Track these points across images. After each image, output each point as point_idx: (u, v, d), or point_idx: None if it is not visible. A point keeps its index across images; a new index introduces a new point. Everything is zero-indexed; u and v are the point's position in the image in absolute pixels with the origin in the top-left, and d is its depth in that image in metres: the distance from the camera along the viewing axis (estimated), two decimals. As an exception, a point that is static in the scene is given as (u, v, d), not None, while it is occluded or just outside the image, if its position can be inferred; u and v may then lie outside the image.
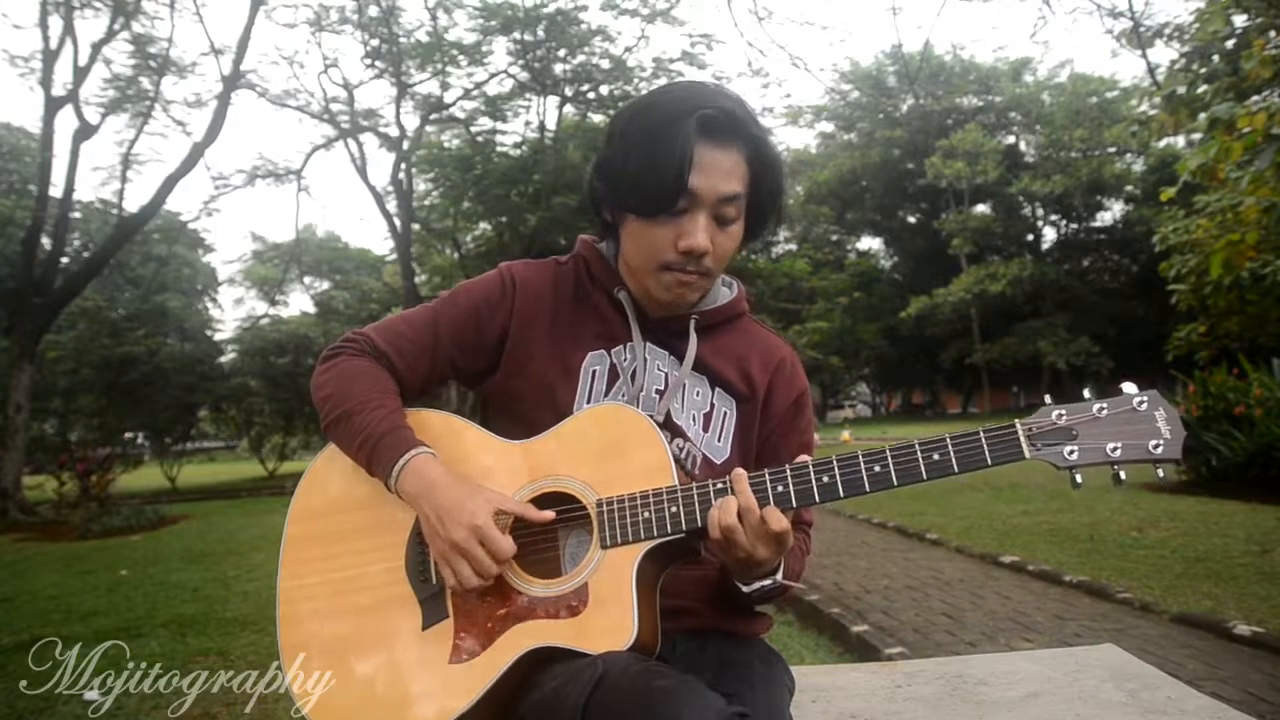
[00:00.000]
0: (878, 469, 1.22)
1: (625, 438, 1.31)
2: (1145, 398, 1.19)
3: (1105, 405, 1.19)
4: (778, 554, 1.25)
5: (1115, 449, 1.17)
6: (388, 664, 1.30)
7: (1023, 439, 1.18)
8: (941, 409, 54.33)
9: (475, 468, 1.36)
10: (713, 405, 1.47)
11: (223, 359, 24.54)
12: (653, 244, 1.35)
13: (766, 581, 1.33)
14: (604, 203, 1.44)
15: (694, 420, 1.45)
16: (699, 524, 1.24)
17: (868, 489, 1.22)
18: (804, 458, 1.27)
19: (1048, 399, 1.23)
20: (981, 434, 1.19)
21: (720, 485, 1.25)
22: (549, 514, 1.29)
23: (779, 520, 1.21)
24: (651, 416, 1.36)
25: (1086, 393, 1.22)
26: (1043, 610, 4.81)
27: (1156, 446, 1.16)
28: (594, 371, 1.44)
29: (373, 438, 1.34)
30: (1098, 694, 1.88)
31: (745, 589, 1.34)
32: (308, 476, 1.47)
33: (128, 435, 23.61)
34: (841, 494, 1.22)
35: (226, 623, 5.40)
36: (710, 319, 1.49)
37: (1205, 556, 5.71)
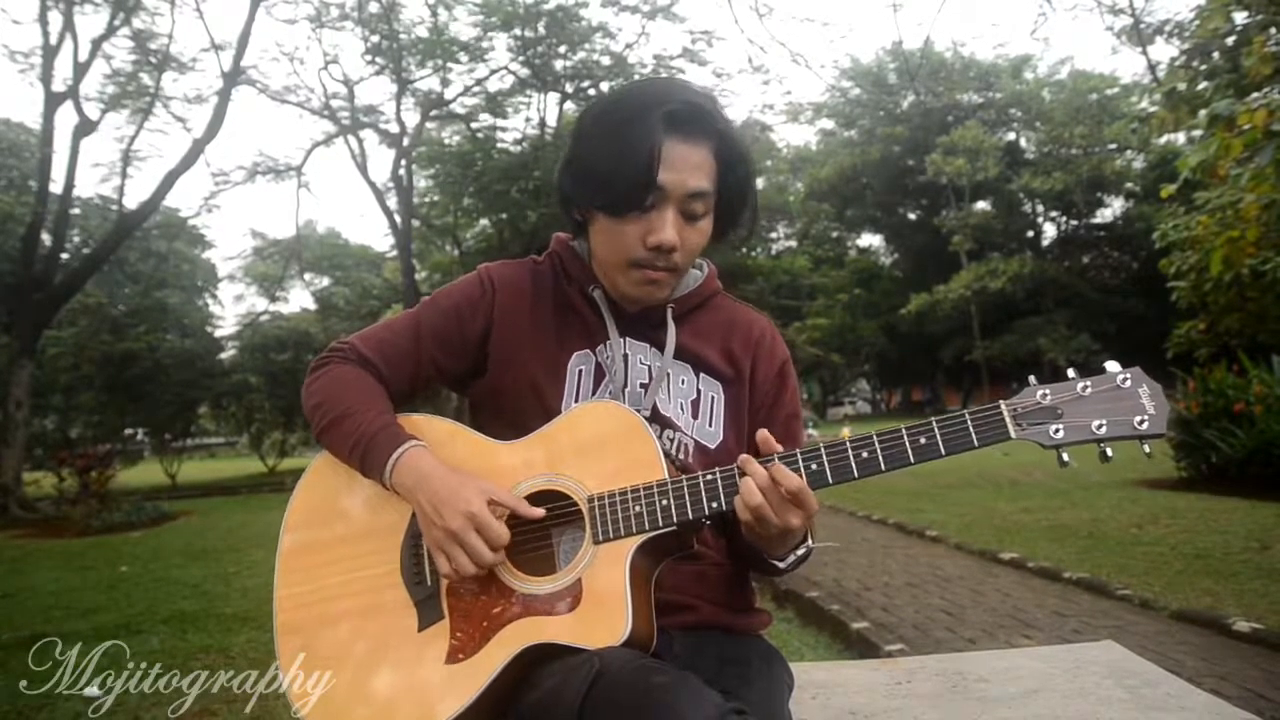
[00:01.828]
0: (865, 455, 1.22)
1: (614, 434, 1.32)
2: (1128, 375, 1.19)
3: (1089, 383, 1.19)
4: (806, 517, 1.25)
5: (1100, 426, 1.17)
6: (385, 666, 1.31)
7: (1008, 419, 1.19)
8: (942, 406, 54.28)
9: (466, 467, 1.37)
10: (699, 391, 1.48)
11: (223, 355, 24.57)
12: (621, 241, 1.36)
13: (800, 550, 1.36)
14: (573, 202, 1.45)
15: (682, 409, 1.46)
16: (689, 515, 1.25)
17: (856, 474, 1.22)
18: (799, 427, 1.27)
19: (1032, 379, 1.23)
20: (967, 415, 1.20)
21: (710, 477, 1.26)
22: (539, 511, 1.29)
23: (791, 478, 1.21)
24: (639, 411, 1.36)
25: (1071, 371, 1.22)
26: (1042, 607, 4.81)
27: (1141, 422, 1.16)
28: (580, 371, 1.45)
29: (365, 438, 1.35)
30: (1097, 691, 1.88)
31: (781, 564, 1.37)
32: (301, 484, 1.48)
33: (128, 432, 23.66)
34: (830, 480, 1.23)
35: (227, 619, 5.40)
36: (685, 304, 1.51)
37: (1205, 553, 5.71)
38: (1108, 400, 1.18)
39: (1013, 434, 1.19)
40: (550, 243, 1.57)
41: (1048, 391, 1.20)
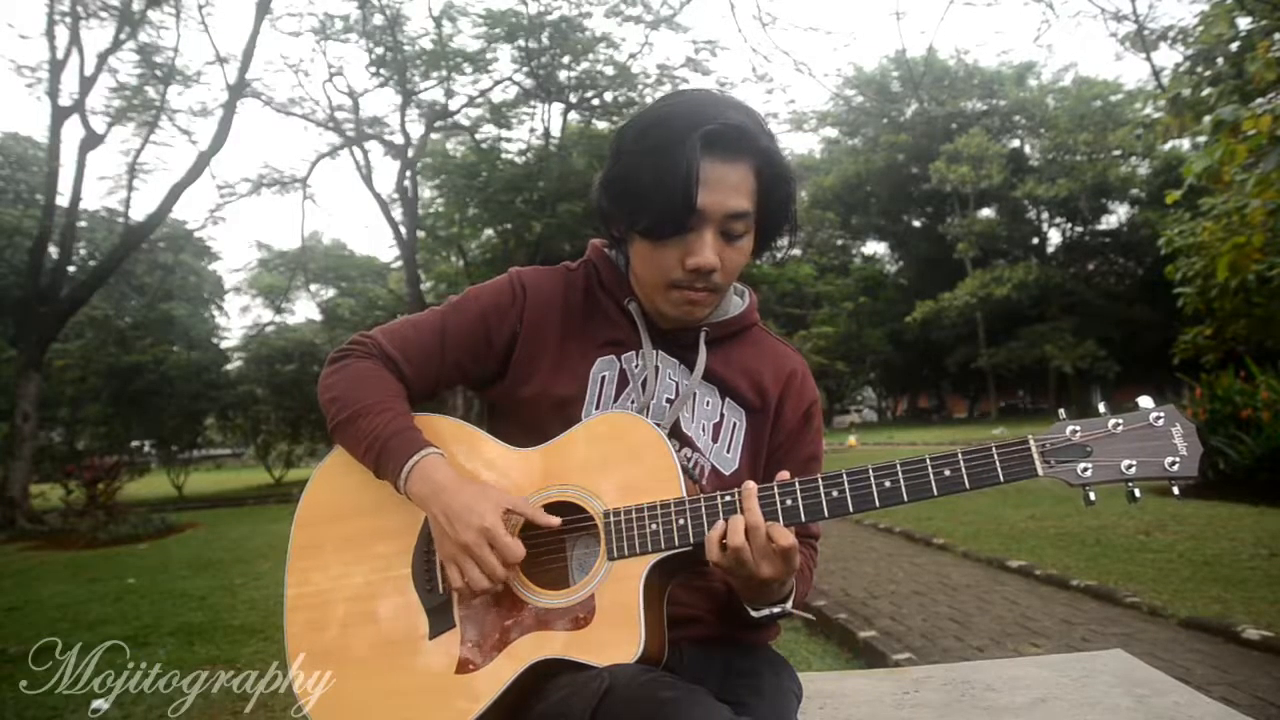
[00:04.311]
0: (888, 484, 1.20)
1: (634, 447, 1.31)
2: (1162, 413, 1.16)
3: (1121, 421, 1.16)
4: (783, 572, 1.23)
5: (1130, 466, 1.14)
6: (394, 673, 1.30)
7: (1036, 455, 1.16)
8: (948, 413, 54.20)
9: (482, 474, 1.36)
10: (722, 415, 1.46)
11: (229, 367, 24.64)
12: (661, 263, 1.34)
13: (776, 609, 1.32)
14: (611, 221, 1.43)
15: (703, 430, 1.44)
16: (706, 537, 1.23)
17: (878, 504, 1.20)
18: (817, 469, 1.26)
19: (1062, 413, 1.20)
20: (994, 450, 1.17)
21: (729, 498, 1.24)
22: (555, 520, 1.28)
23: (785, 536, 1.20)
24: (660, 426, 1.35)
25: (1102, 407, 1.19)
26: (1050, 615, 4.79)
27: (1173, 464, 1.13)
28: (603, 377, 1.43)
29: (381, 439, 1.33)
30: (1106, 699, 1.87)
31: (755, 614, 1.33)
32: (313, 483, 1.47)
33: (134, 443, 23.70)
34: (851, 509, 1.21)
35: (233, 630, 5.40)
36: (722, 330, 1.48)
37: (1213, 560, 5.69)
38: (1139, 439, 1.15)
39: (1040, 471, 1.16)
40: (585, 250, 1.55)
41: (1078, 428, 1.17)
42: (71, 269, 17.40)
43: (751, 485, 1.23)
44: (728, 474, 1.44)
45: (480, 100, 20.82)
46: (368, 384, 1.41)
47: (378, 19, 18.67)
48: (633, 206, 1.33)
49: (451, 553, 1.27)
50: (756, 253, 1.42)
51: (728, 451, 1.45)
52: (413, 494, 1.31)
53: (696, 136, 1.26)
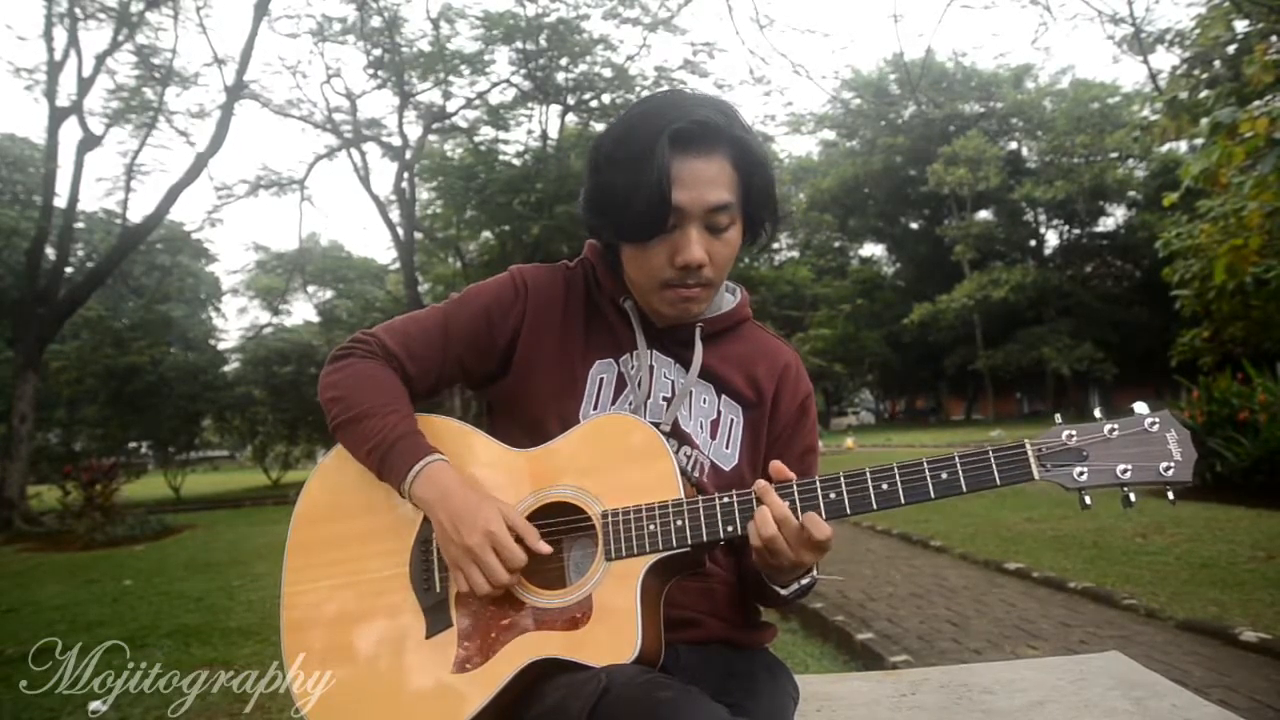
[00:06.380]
0: (885, 487, 1.21)
1: (632, 448, 1.31)
2: (1157, 419, 1.17)
3: (1116, 426, 1.17)
4: (820, 557, 1.26)
5: (1125, 470, 1.15)
6: (390, 672, 1.30)
7: (1032, 459, 1.17)
8: (945, 415, 54.16)
9: (480, 475, 1.36)
10: (720, 412, 1.47)
11: (226, 368, 24.58)
12: (650, 265, 1.35)
13: (805, 580, 1.34)
14: (598, 233, 1.45)
15: (701, 428, 1.45)
16: (704, 538, 1.24)
17: (875, 507, 1.21)
18: (814, 460, 1.27)
19: (1058, 418, 1.21)
20: (990, 453, 1.18)
21: (726, 500, 1.25)
22: (547, 547, 1.28)
23: (821, 528, 1.21)
24: (659, 425, 1.36)
25: (1098, 412, 1.20)
26: (1047, 617, 4.79)
27: (1168, 469, 1.14)
28: (601, 380, 1.44)
29: (385, 443, 1.33)
30: (1103, 702, 1.87)
31: (784, 591, 1.35)
32: (312, 481, 1.47)
33: (131, 445, 23.68)
34: (848, 511, 1.22)
35: (230, 632, 5.39)
36: (715, 326, 1.49)
37: (1211, 562, 5.69)
38: (1134, 444, 1.16)
39: (1036, 475, 1.17)
40: (583, 249, 1.55)
41: (1074, 432, 1.18)
42: (69, 270, 17.37)
43: (765, 483, 1.24)
44: (727, 469, 1.44)
45: (478, 102, 20.85)
46: (371, 384, 1.40)
47: (375, 21, 18.68)
48: (614, 215, 1.34)
49: (456, 557, 1.27)
50: (746, 243, 1.43)
51: (726, 448, 1.46)
52: (417, 498, 1.31)
53: (665, 136, 1.27)
